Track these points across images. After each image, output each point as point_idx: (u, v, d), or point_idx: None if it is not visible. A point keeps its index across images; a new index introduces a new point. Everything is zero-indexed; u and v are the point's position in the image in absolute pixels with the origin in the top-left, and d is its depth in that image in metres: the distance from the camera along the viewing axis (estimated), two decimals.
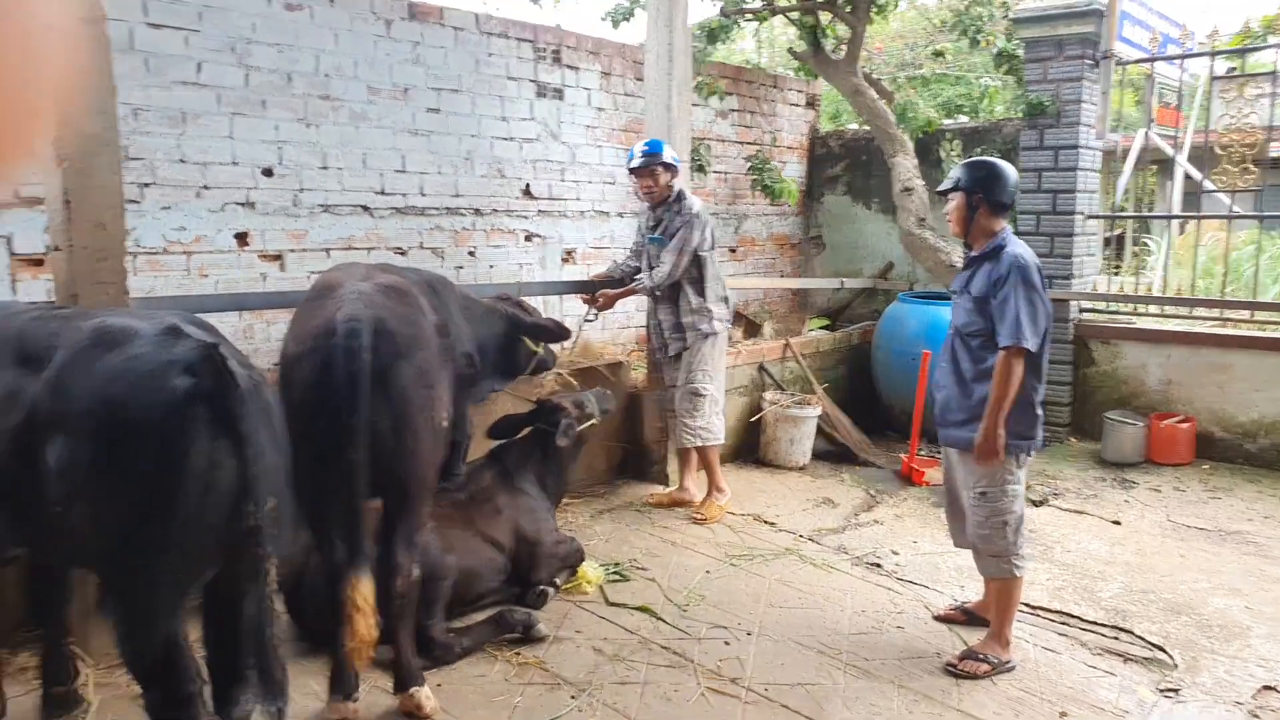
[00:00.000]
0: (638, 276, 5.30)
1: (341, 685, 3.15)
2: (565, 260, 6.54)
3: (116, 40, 3.64)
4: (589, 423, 4.53)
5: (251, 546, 2.31)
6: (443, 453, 3.34)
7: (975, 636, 3.93)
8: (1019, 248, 3.76)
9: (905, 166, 6.84)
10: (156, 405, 2.22)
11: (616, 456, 5.92)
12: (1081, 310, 7.21)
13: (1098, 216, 7.50)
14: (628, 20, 7.44)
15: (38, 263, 4.21)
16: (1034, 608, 4.22)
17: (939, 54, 9.10)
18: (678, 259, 5.07)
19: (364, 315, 3.01)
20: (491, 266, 6.09)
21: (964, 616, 4.14)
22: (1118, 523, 5.40)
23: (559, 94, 6.38)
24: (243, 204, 4.85)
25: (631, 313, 7.02)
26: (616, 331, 6.91)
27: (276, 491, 2.37)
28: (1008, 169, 3.83)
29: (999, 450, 3.62)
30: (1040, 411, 3.79)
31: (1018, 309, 3.58)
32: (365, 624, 2.92)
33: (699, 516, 5.21)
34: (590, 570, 4.36)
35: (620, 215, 6.91)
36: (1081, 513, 5.58)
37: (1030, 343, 3.57)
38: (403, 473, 3.10)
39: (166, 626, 2.32)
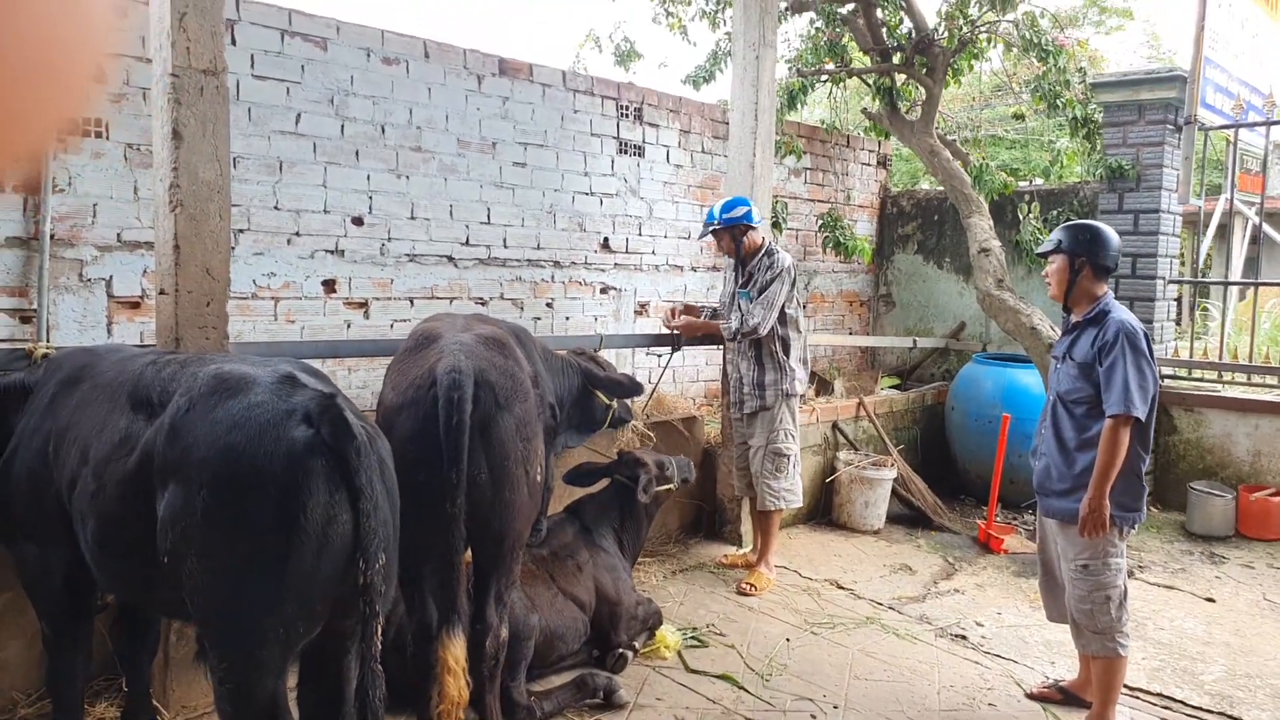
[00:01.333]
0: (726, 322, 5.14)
1: None
2: (639, 313, 6.52)
3: None
4: (667, 486, 4.44)
5: (361, 604, 2.25)
6: (537, 508, 3.29)
7: (1072, 718, 3.75)
8: (1124, 313, 3.66)
9: (981, 227, 6.75)
10: (276, 455, 2.19)
11: (689, 514, 5.82)
12: (1162, 376, 7.02)
13: (1179, 281, 7.34)
14: (708, 83, 7.52)
15: (134, 305, 4.28)
16: (1133, 689, 4.02)
17: (1019, 117, 9.04)
18: (768, 313, 4.98)
19: (466, 366, 2.98)
20: (568, 318, 6.09)
21: (1060, 695, 3.95)
22: (1211, 600, 5.17)
23: (639, 151, 6.43)
24: (332, 252, 4.91)
25: (701, 366, 6.98)
26: (686, 385, 6.85)
27: (387, 548, 2.33)
28: (1111, 233, 3.75)
29: (1105, 522, 3.48)
30: (1145, 483, 3.66)
31: (1126, 376, 3.47)
32: (456, 685, 2.85)
33: (747, 587, 5.00)
34: (669, 634, 4.25)
35: (694, 269, 6.91)
36: (1171, 588, 5.35)
37: (1140, 411, 3.45)
38: (499, 527, 3.04)
39: (272, 685, 2.26)
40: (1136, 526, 3.70)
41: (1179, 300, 8.31)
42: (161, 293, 3.33)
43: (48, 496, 2.62)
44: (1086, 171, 7.51)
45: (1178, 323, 8.06)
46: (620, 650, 4.01)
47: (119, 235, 4.20)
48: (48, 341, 3.78)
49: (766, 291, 4.98)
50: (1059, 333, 5.86)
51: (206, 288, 3.31)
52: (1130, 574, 5.45)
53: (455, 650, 2.86)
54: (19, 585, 3.05)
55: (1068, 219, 7.11)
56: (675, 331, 5.31)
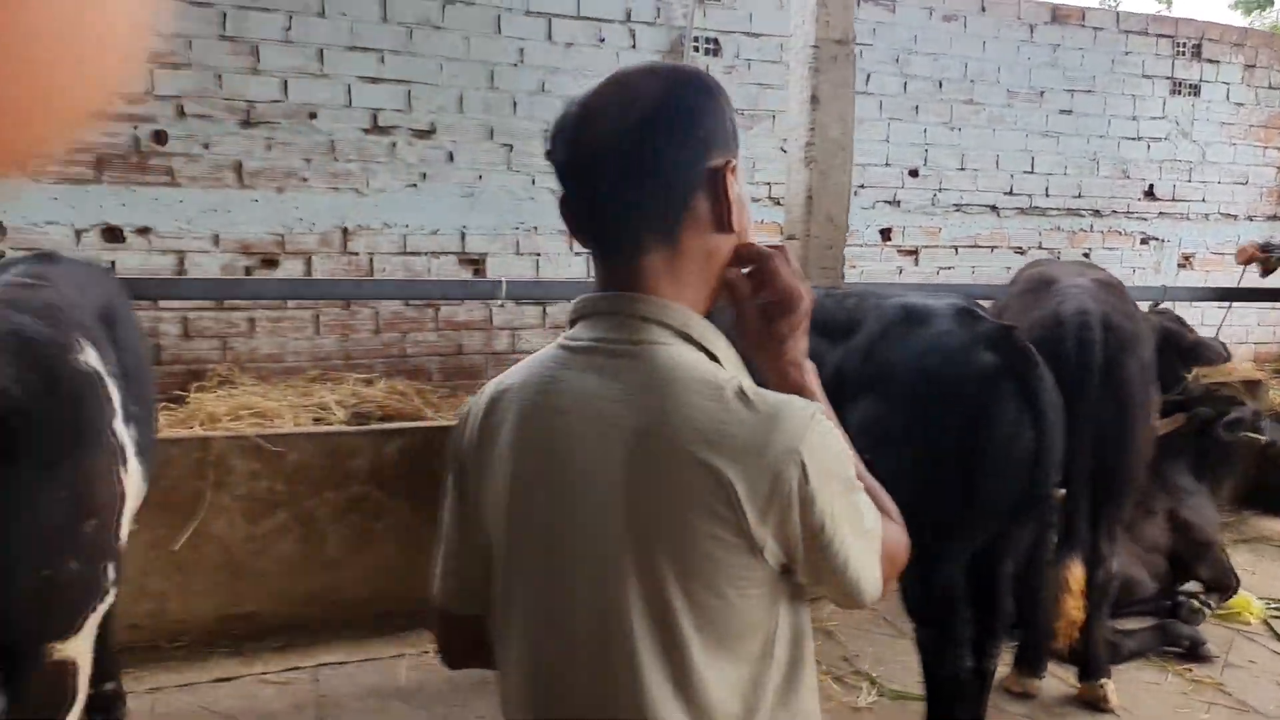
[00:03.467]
0: None
1: (1032, 663, 3.29)
2: (1182, 265, 6.10)
3: None
4: (1256, 435, 4.16)
5: (1036, 515, 2.50)
6: (1150, 451, 3.32)
7: None
8: None
9: None
10: (968, 377, 2.50)
11: (1241, 485, 5.39)
12: None
13: None
14: (1261, 9, 6.72)
15: None
16: None
17: None
18: None
19: (1093, 309, 3.10)
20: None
21: None
22: None
23: (1194, 90, 5.97)
24: (889, 202, 5.26)
25: (1251, 326, 6.35)
26: (1233, 347, 6.26)
27: (1057, 465, 2.54)
28: None
29: None
30: None
31: None
32: (1074, 605, 3.02)
33: None
34: (1251, 600, 4.04)
35: (1250, 219, 6.27)
36: None
37: None
38: (1118, 466, 3.14)
39: (951, 574, 2.60)
40: None
41: None
42: (791, 238, 3.85)
43: None
44: None
45: None
46: (1195, 604, 3.88)
47: None
48: None
49: None
50: None
51: (829, 235, 3.77)
52: None
53: (1075, 573, 3.03)
54: None
55: None
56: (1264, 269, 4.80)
